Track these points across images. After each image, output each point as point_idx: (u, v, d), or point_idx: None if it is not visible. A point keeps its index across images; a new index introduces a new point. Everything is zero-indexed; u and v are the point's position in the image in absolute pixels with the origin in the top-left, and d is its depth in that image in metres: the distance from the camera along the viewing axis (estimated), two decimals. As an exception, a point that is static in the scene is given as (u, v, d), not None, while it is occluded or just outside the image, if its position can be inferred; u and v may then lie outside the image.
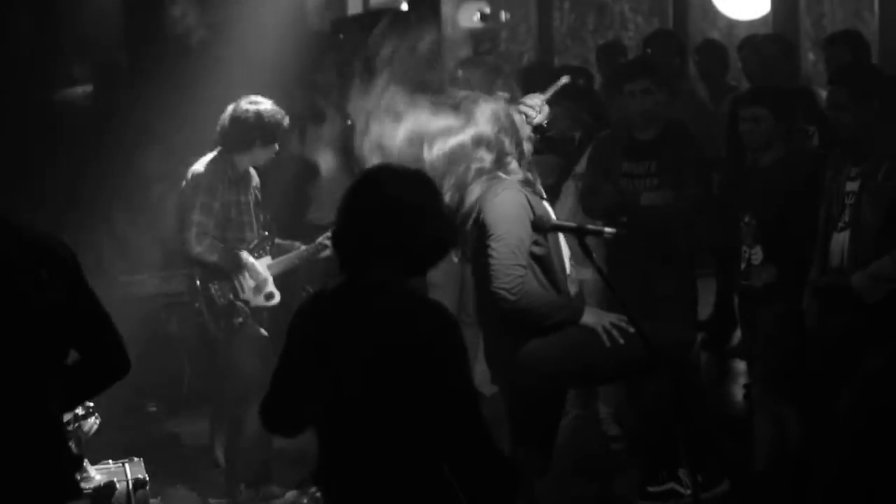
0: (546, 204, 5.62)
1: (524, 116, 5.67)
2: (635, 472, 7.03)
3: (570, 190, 7.63)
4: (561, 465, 6.80)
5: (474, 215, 5.40)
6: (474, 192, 5.41)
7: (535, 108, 5.71)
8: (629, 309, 5.18)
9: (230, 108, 7.32)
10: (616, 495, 6.98)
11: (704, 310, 9.30)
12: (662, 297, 7.29)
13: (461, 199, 5.42)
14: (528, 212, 5.37)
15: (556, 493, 6.51)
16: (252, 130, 7.25)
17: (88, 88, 10.54)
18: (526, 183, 5.52)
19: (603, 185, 7.47)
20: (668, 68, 8.89)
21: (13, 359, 4.00)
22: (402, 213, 3.94)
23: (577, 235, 5.09)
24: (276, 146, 7.42)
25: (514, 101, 5.81)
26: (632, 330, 5.46)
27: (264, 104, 7.31)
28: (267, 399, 4.20)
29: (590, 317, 5.56)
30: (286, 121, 7.40)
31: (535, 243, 5.45)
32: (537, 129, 5.74)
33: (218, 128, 7.32)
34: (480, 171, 5.43)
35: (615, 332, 5.52)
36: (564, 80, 6.03)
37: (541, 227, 5.25)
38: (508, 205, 5.37)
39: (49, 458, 4.08)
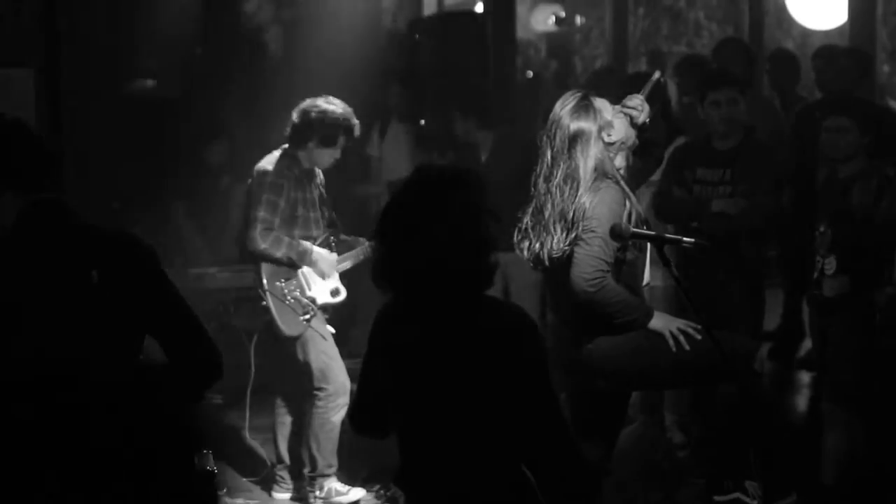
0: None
1: (629, 118, 5.69)
2: (700, 481, 7.02)
3: (644, 197, 7.60)
4: (625, 472, 6.79)
5: (573, 210, 5.41)
6: (581, 188, 5.43)
7: (638, 107, 5.73)
8: (702, 316, 5.15)
9: (303, 103, 7.30)
10: (680, 504, 6.95)
11: (772, 320, 9.24)
12: (729, 305, 7.25)
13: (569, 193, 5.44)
14: (623, 213, 5.38)
15: (620, 499, 6.49)
16: (310, 129, 7.20)
17: (158, 82, 10.61)
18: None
19: (676, 189, 7.47)
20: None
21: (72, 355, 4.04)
22: (471, 242, 3.81)
23: (656, 244, 5.07)
24: (338, 152, 7.36)
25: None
26: (699, 337, 5.46)
27: (334, 106, 7.24)
28: (354, 403, 4.24)
29: (658, 321, 5.55)
30: (356, 127, 7.37)
31: (624, 248, 5.46)
32: (641, 128, 5.74)
33: (289, 122, 7.31)
34: (590, 168, 5.46)
35: (682, 338, 5.51)
36: (657, 75, 6.06)
37: (620, 235, 5.25)
38: (608, 203, 5.39)
39: None
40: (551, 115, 5.56)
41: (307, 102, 7.24)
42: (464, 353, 3.76)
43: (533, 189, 5.57)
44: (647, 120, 5.78)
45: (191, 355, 4.26)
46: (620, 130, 5.63)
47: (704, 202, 7.35)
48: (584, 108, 5.52)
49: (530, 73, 14.93)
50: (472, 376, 3.74)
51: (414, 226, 3.80)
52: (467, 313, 3.81)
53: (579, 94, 5.60)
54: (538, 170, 5.56)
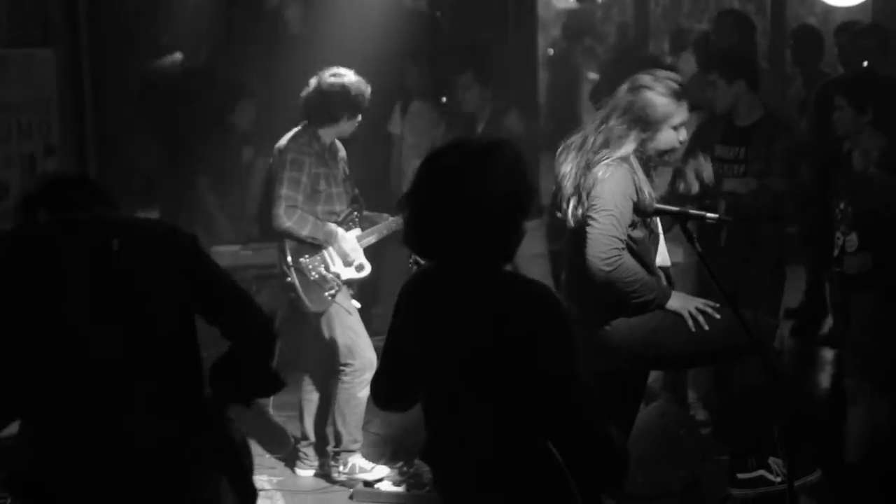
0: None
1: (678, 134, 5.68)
2: (723, 459, 7.01)
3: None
4: (648, 450, 6.78)
5: (585, 189, 5.40)
6: (594, 167, 5.42)
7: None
8: (726, 292, 5.14)
9: (313, 81, 7.30)
10: (704, 481, 6.94)
11: (795, 297, 9.23)
12: (749, 283, 7.23)
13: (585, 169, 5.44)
14: (634, 191, 5.37)
15: (643, 477, 6.49)
16: (338, 104, 7.25)
17: (179, 57, 10.61)
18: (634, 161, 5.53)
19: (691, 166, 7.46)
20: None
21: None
22: (498, 201, 3.79)
23: (679, 220, 5.07)
24: (360, 117, 7.41)
25: None
26: (718, 316, 5.46)
27: (348, 76, 7.29)
28: (377, 376, 4.23)
29: (676, 301, 5.56)
30: (368, 90, 7.38)
31: (634, 226, 5.44)
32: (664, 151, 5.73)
33: (302, 101, 7.32)
34: (628, 149, 5.46)
35: (701, 318, 5.51)
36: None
37: (644, 210, 5.24)
38: (617, 180, 5.37)
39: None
40: (636, 77, 5.57)
41: (323, 80, 7.26)
42: (488, 328, 3.75)
43: (585, 118, 5.57)
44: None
45: (248, 329, 4.36)
46: (668, 142, 5.60)
47: (718, 180, 7.33)
48: (675, 95, 5.52)
49: (551, 51, 14.90)
50: (495, 351, 3.73)
51: (450, 187, 3.79)
52: (492, 287, 3.81)
53: (681, 83, 5.59)
54: (602, 109, 5.57)
